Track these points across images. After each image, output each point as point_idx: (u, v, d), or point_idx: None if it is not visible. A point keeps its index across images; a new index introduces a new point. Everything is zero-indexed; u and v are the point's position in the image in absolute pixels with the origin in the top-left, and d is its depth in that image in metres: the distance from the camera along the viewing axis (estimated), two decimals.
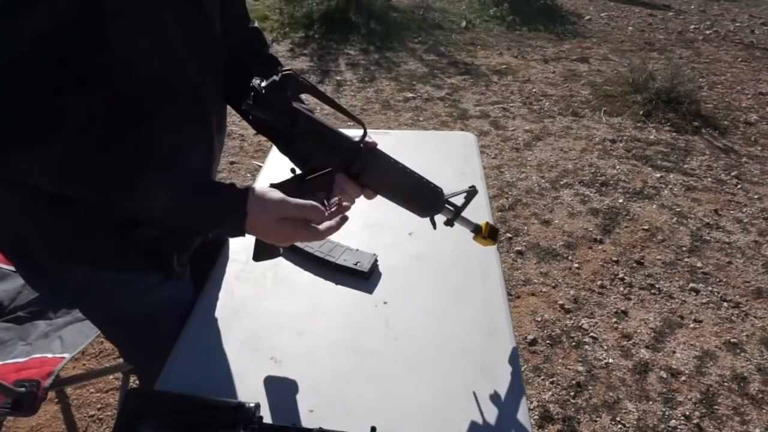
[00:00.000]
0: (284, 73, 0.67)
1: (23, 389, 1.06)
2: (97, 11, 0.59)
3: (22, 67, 0.57)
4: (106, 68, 0.64)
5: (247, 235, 0.71)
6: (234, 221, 0.68)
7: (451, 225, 0.86)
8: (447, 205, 0.83)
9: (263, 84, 0.67)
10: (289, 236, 0.71)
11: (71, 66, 0.60)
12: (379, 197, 0.81)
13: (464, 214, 0.85)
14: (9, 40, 0.55)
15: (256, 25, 0.98)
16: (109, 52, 0.63)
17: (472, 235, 0.88)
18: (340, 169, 0.76)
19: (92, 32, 0.60)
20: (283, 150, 0.89)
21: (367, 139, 0.76)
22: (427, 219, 0.84)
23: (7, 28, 0.55)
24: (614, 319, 2.07)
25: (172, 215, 0.69)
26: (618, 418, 1.70)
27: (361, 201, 0.81)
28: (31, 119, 0.58)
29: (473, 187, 0.86)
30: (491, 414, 0.74)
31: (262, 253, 0.81)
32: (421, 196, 0.81)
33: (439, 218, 0.84)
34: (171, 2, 0.68)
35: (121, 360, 1.63)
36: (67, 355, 1.17)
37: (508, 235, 2.53)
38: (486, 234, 0.86)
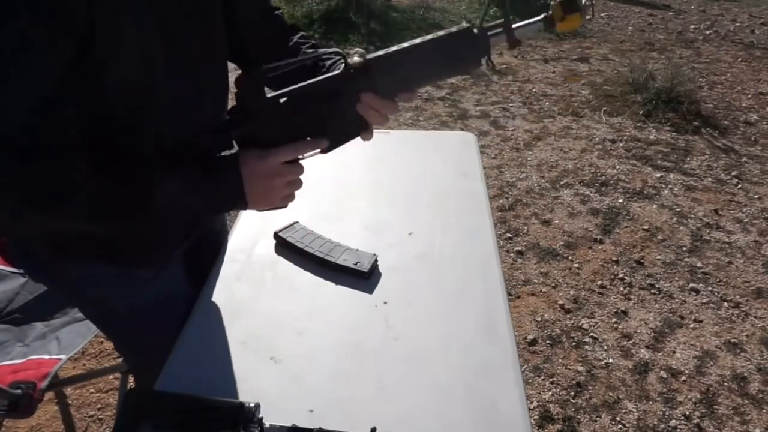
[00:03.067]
0: (238, 78, 0.67)
1: (19, 391, 1.05)
2: (89, 61, 0.59)
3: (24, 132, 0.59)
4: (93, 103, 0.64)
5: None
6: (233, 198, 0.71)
7: (517, 43, 0.71)
8: (491, 33, 0.69)
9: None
10: (288, 179, 0.73)
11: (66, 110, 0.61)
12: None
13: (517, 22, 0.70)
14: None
15: (279, 12, 0.97)
16: (99, 92, 0.63)
17: (553, 30, 0.70)
18: (354, 98, 0.70)
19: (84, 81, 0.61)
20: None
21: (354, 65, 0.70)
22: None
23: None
24: (614, 319, 2.07)
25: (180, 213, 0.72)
26: (618, 418, 1.70)
27: (361, 200, 0.81)
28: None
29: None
30: (491, 414, 0.74)
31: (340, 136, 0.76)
32: (453, 54, 0.69)
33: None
34: (157, 20, 0.65)
35: (121, 360, 1.63)
36: (64, 357, 1.16)
37: (508, 235, 2.53)
38: (562, 14, 0.68)
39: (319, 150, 0.75)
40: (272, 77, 0.69)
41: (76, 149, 0.64)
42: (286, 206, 0.78)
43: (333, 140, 0.75)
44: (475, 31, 0.69)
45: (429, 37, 0.69)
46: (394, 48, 0.69)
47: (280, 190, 0.74)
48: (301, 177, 0.76)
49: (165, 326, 0.90)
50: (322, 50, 0.77)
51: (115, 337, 1.04)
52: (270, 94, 0.69)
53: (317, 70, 0.78)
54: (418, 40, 0.69)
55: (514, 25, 0.70)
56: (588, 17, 0.69)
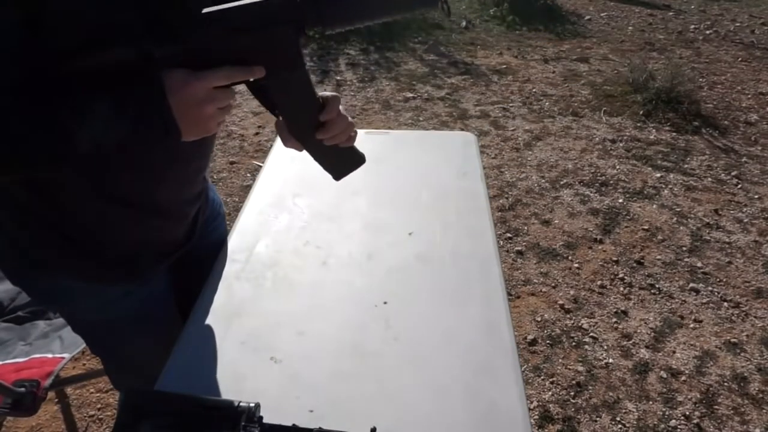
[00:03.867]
0: None
1: (23, 389, 1.06)
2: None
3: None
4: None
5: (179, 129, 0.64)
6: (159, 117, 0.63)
7: None
8: None
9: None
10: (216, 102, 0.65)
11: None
12: None
13: None
14: None
15: None
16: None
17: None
18: (296, 34, 0.63)
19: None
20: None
21: None
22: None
23: None
24: (614, 319, 2.07)
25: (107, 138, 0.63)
26: (618, 418, 1.70)
27: (361, 200, 0.81)
28: None
29: None
30: (491, 414, 0.74)
31: (341, 165, 0.75)
32: None
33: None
34: None
35: None
36: (66, 355, 1.17)
37: (508, 235, 2.53)
38: None
39: (251, 78, 0.67)
40: None
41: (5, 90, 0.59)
42: (216, 131, 0.70)
43: (268, 73, 0.66)
44: None
45: None
46: None
47: (213, 117, 0.66)
48: (231, 102, 0.68)
49: (143, 344, 0.90)
50: None
51: (91, 346, 1.03)
52: (204, 10, 0.61)
53: None
54: None
55: None
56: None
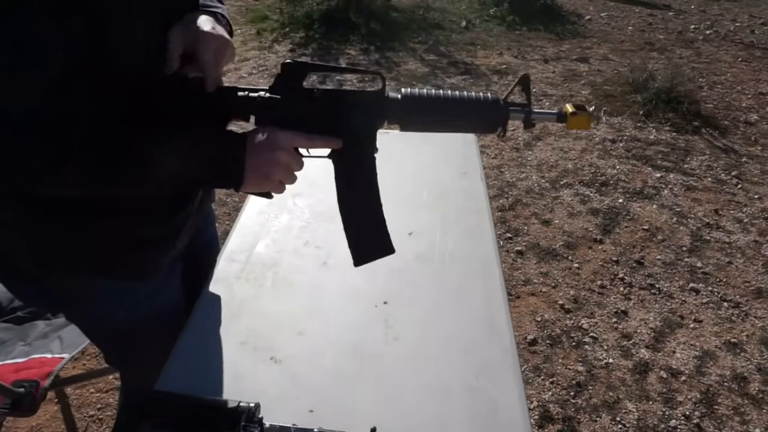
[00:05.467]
0: (284, 63, 0.70)
1: (22, 390, 1.05)
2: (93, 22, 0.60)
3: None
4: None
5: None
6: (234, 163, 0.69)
7: (531, 125, 0.79)
8: (512, 108, 0.77)
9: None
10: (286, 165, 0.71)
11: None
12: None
13: (538, 109, 0.78)
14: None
15: None
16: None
17: (563, 125, 0.78)
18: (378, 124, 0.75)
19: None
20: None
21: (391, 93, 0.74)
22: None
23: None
24: (614, 319, 2.07)
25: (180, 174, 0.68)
26: (618, 418, 1.70)
27: None
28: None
29: (525, 75, 0.80)
30: (491, 414, 0.74)
31: (366, 250, 0.78)
32: (475, 114, 0.76)
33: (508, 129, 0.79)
34: None
35: None
36: (66, 356, 1.16)
37: (508, 235, 2.53)
38: (574, 111, 0.76)
39: (327, 151, 0.76)
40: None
41: (78, 118, 0.63)
42: (274, 195, 0.75)
43: (342, 151, 0.76)
44: (501, 102, 0.77)
45: (459, 93, 0.75)
46: (426, 90, 0.75)
47: (280, 171, 0.70)
48: (297, 174, 0.74)
49: (157, 342, 0.90)
50: (364, 71, 0.83)
51: (104, 350, 1.03)
52: (309, 86, 0.72)
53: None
54: (449, 92, 0.75)
55: (534, 110, 0.78)
56: (594, 122, 0.74)
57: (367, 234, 0.78)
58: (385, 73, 0.78)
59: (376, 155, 0.76)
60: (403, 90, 0.75)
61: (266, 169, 0.69)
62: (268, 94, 0.72)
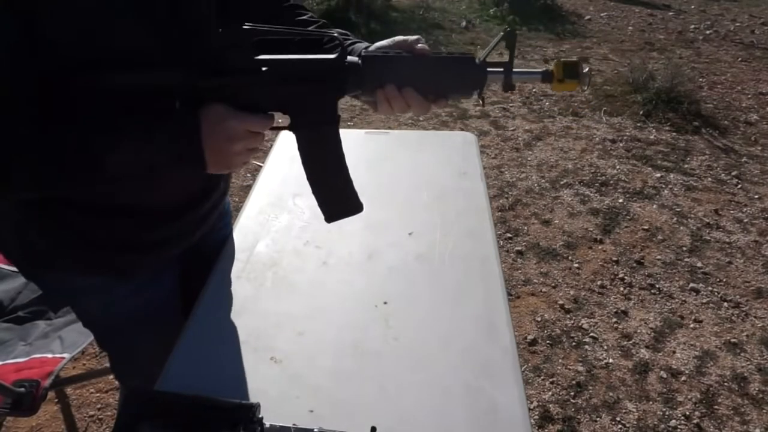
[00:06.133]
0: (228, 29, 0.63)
1: (23, 389, 1.06)
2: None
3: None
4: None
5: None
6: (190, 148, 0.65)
7: (512, 88, 0.69)
8: (490, 69, 0.68)
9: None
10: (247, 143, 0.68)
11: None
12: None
13: (520, 68, 0.69)
14: None
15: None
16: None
17: (549, 86, 0.69)
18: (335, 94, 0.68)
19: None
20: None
21: (352, 57, 0.68)
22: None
23: None
24: (614, 319, 2.07)
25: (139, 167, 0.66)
26: (618, 418, 1.70)
27: (361, 200, 0.80)
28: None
29: (510, 29, 0.69)
30: (491, 414, 0.74)
31: (336, 208, 0.75)
32: (447, 75, 0.69)
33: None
34: None
35: None
36: (67, 355, 1.17)
37: (508, 235, 2.53)
38: (561, 75, 0.67)
39: (281, 129, 0.71)
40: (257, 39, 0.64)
41: (21, 110, 0.60)
42: (240, 170, 0.75)
43: (300, 125, 0.71)
44: (477, 61, 0.69)
45: (431, 52, 0.69)
46: (392, 53, 0.69)
47: (239, 156, 0.68)
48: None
49: (147, 341, 0.90)
50: (319, 30, 0.76)
51: (102, 345, 1.04)
52: (257, 56, 0.65)
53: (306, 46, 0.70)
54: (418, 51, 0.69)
55: (514, 70, 0.69)
56: (584, 88, 0.68)
57: (335, 196, 0.76)
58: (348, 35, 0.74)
59: (340, 127, 0.71)
60: (363, 53, 0.69)
61: (226, 162, 0.67)
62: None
